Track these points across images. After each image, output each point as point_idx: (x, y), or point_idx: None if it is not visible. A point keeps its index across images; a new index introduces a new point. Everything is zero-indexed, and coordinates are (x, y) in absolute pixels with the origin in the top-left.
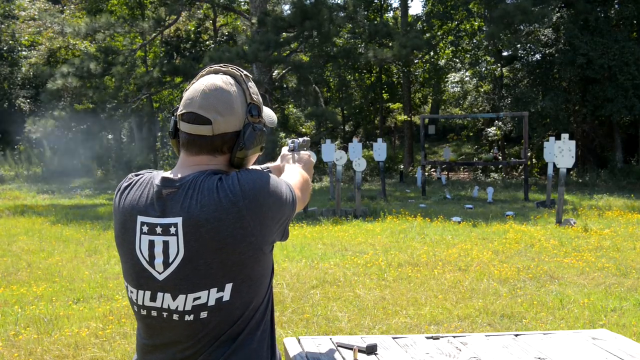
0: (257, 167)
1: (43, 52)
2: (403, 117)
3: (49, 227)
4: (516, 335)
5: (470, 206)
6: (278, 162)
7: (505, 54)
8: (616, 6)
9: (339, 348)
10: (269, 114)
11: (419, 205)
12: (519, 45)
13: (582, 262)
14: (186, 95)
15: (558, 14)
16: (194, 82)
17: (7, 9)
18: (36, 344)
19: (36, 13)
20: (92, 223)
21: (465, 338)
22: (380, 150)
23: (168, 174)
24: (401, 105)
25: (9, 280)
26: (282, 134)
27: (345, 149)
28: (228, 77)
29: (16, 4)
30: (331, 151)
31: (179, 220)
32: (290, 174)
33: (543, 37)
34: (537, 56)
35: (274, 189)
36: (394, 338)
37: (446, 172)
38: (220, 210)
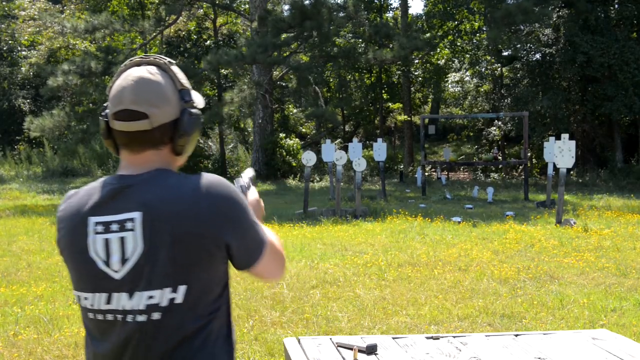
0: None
1: (43, 52)
2: (403, 117)
3: (49, 227)
4: (516, 335)
5: (470, 206)
6: None
7: (505, 53)
8: (616, 6)
9: (339, 348)
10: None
11: (419, 205)
12: (519, 45)
13: (582, 262)
14: (113, 92)
15: (559, 13)
16: (116, 78)
17: (7, 9)
18: (36, 344)
19: (36, 13)
20: None
21: (465, 338)
22: (380, 150)
23: (118, 173)
24: (401, 105)
25: (9, 280)
26: (283, 135)
27: (345, 149)
28: (152, 67)
29: (16, 4)
30: (331, 151)
31: (137, 214)
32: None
33: (543, 37)
34: (537, 56)
35: (238, 199)
36: (394, 338)
37: (446, 172)
38: (180, 205)
